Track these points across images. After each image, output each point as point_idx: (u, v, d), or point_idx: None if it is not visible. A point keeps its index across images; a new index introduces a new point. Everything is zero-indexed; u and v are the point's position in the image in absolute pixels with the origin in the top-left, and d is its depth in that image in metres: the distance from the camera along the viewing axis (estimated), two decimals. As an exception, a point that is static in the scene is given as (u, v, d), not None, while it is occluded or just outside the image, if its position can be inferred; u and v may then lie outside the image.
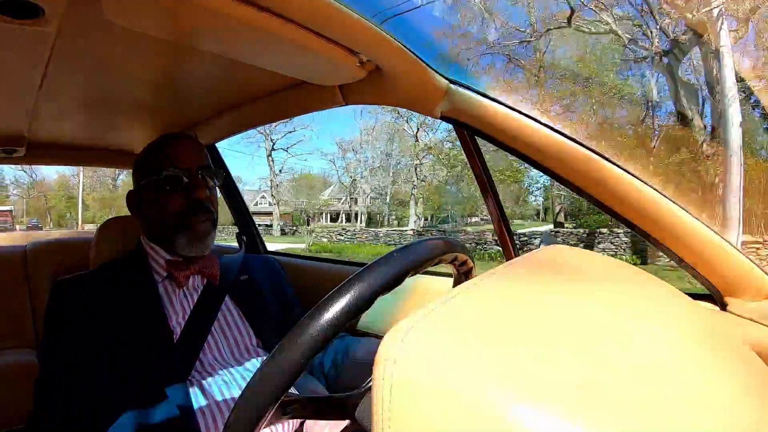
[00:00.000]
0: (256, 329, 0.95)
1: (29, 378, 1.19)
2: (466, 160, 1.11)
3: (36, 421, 0.78)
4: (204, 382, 0.82)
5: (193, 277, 0.94)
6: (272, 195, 25.17)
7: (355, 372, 0.91)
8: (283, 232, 24.23)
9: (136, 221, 1.09)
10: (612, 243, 12.42)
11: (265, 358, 0.79)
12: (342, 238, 19.17)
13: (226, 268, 0.98)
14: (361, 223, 25.90)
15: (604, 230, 12.71)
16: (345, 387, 0.92)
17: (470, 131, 0.91)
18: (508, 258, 1.11)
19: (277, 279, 1.11)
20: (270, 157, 25.23)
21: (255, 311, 0.97)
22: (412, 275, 0.46)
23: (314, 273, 1.55)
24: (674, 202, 0.75)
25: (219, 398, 0.80)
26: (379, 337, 0.34)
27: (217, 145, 1.58)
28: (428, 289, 1.21)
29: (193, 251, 0.93)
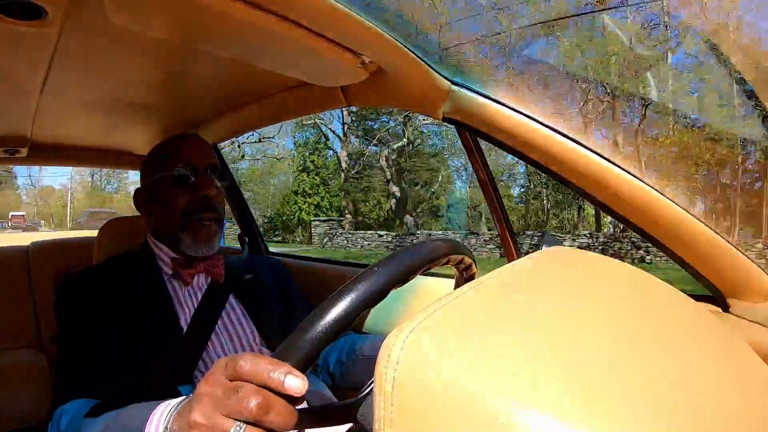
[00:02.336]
0: (259, 328, 0.95)
1: (31, 378, 1.20)
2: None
3: (61, 403, 0.76)
4: None
5: (198, 276, 0.95)
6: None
7: (363, 367, 0.90)
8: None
9: (139, 222, 1.09)
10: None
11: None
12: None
13: (231, 268, 0.99)
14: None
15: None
16: (352, 384, 0.93)
17: (472, 132, 0.91)
18: (510, 259, 1.11)
19: (282, 279, 1.11)
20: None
21: (259, 310, 0.98)
22: (425, 270, 0.47)
23: (316, 273, 1.56)
24: (676, 204, 0.75)
25: None
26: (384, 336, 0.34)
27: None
28: (430, 290, 1.21)
29: (199, 251, 0.93)
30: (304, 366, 0.40)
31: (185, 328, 0.87)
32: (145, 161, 1.02)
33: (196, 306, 0.91)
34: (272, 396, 0.38)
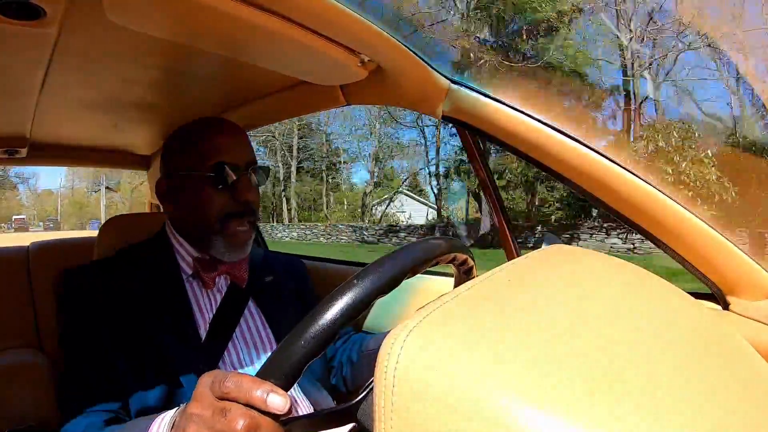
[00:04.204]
0: (277, 335, 0.90)
1: (31, 378, 1.20)
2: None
3: (65, 412, 0.73)
4: None
5: (219, 278, 0.88)
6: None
7: (368, 363, 0.86)
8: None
9: (140, 219, 1.09)
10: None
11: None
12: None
13: (251, 269, 0.92)
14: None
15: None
16: (362, 382, 0.92)
17: (472, 131, 0.90)
18: (510, 257, 1.11)
19: (302, 282, 1.05)
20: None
21: (278, 316, 0.92)
22: (410, 276, 0.47)
23: (319, 272, 1.55)
24: (676, 201, 0.75)
25: None
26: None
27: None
28: (430, 289, 1.21)
29: (232, 257, 0.86)
30: (286, 383, 0.40)
31: (204, 336, 0.81)
32: (170, 145, 0.91)
33: (214, 311, 0.85)
34: (259, 416, 0.40)
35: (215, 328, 0.83)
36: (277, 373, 0.40)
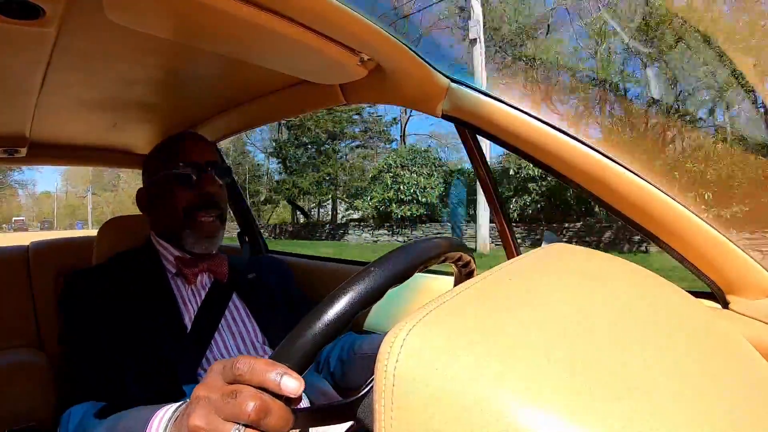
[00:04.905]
0: (262, 326, 0.96)
1: (31, 378, 1.20)
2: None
3: (67, 404, 0.76)
4: None
5: (202, 275, 0.96)
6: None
7: (362, 365, 0.90)
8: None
9: (138, 221, 1.10)
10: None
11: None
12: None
13: (233, 267, 1.00)
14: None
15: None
16: (351, 382, 0.93)
17: (471, 130, 0.91)
18: (510, 256, 1.11)
19: (285, 279, 1.12)
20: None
21: (262, 308, 0.99)
22: (422, 269, 0.47)
23: (315, 271, 1.56)
24: (675, 200, 0.75)
25: None
26: (383, 334, 0.34)
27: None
28: (430, 288, 1.21)
29: (201, 248, 0.94)
30: (300, 367, 0.40)
31: (189, 327, 0.88)
32: (147, 161, 1.03)
33: (199, 305, 0.92)
34: (270, 399, 0.39)
35: (200, 319, 0.90)
36: (292, 357, 0.40)
